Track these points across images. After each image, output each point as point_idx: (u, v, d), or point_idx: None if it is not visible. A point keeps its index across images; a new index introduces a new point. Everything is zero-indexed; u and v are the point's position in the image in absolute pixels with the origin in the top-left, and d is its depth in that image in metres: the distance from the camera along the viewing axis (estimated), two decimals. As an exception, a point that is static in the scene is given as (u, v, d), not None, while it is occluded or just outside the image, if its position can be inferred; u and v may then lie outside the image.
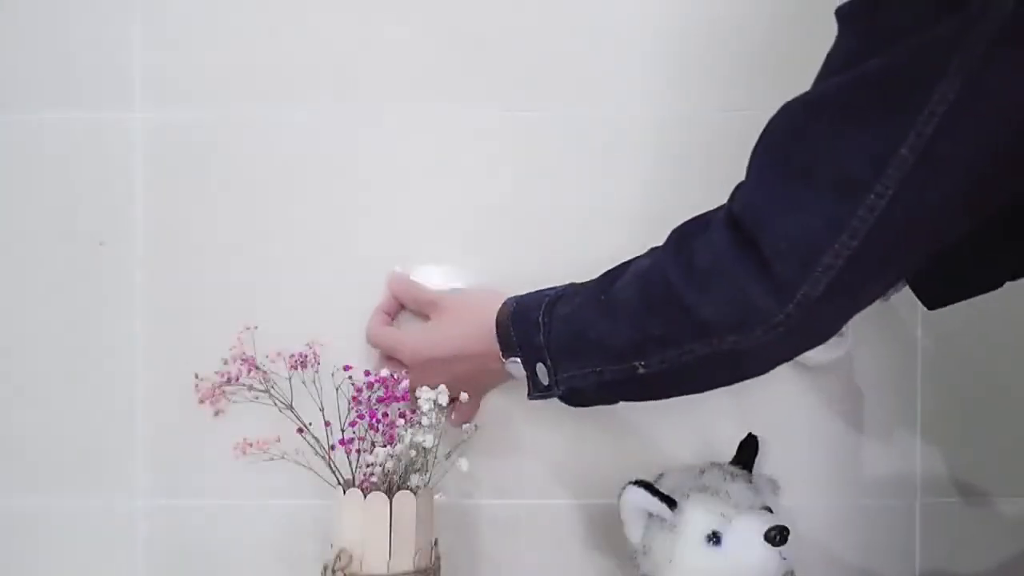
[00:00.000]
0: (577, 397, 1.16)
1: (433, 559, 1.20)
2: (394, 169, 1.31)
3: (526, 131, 1.31)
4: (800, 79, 0.99)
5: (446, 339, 1.24)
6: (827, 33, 0.98)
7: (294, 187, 1.31)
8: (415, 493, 1.18)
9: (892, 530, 1.33)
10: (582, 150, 1.31)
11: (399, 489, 1.18)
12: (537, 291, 1.19)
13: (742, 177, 1.03)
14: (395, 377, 1.20)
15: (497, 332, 1.19)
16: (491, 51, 1.31)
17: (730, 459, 1.24)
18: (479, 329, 1.20)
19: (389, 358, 1.27)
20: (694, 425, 1.31)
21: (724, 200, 1.04)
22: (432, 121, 1.31)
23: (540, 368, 1.16)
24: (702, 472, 1.21)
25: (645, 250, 1.12)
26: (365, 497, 1.17)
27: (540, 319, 1.15)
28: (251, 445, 1.20)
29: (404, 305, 1.30)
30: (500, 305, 1.20)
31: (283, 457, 1.22)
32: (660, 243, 1.10)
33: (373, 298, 1.30)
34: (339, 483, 1.20)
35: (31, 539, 1.33)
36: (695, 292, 1.02)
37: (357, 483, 1.19)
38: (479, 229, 1.31)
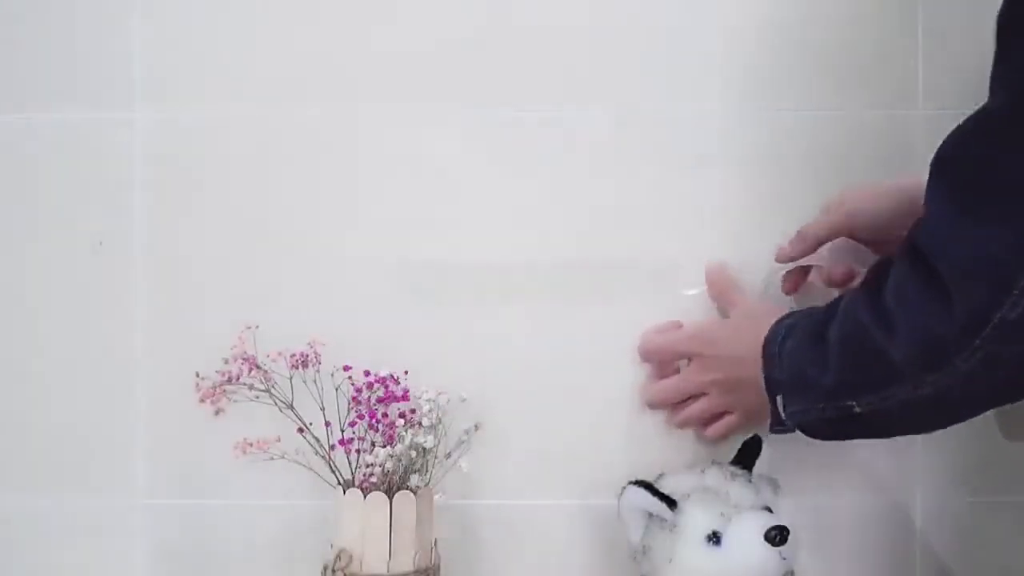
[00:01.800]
0: (811, 431, 1.14)
1: (433, 559, 1.20)
2: (394, 169, 1.31)
3: (527, 132, 1.31)
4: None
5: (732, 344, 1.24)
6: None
7: (293, 187, 1.31)
8: (415, 493, 1.18)
9: (892, 530, 1.33)
10: (584, 151, 1.31)
11: (399, 489, 1.18)
12: (788, 316, 1.18)
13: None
14: (394, 377, 1.21)
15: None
16: (494, 51, 1.31)
17: (731, 459, 1.23)
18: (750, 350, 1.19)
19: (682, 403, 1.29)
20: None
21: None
22: (432, 121, 1.31)
23: (779, 400, 1.15)
24: (702, 472, 1.20)
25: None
26: (365, 497, 1.17)
27: (777, 351, 1.14)
28: (251, 445, 1.20)
29: (712, 295, 1.30)
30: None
31: (283, 457, 1.22)
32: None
33: (373, 297, 1.30)
34: (339, 483, 1.20)
35: (31, 538, 1.33)
36: (883, 332, 1.00)
37: (357, 483, 1.19)
38: (479, 228, 1.31)
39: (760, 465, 1.23)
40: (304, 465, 1.22)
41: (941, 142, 0.97)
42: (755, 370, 1.16)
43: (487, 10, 1.31)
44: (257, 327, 1.22)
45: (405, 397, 1.20)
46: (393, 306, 1.30)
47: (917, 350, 0.97)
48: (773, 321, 1.17)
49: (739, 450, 1.23)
